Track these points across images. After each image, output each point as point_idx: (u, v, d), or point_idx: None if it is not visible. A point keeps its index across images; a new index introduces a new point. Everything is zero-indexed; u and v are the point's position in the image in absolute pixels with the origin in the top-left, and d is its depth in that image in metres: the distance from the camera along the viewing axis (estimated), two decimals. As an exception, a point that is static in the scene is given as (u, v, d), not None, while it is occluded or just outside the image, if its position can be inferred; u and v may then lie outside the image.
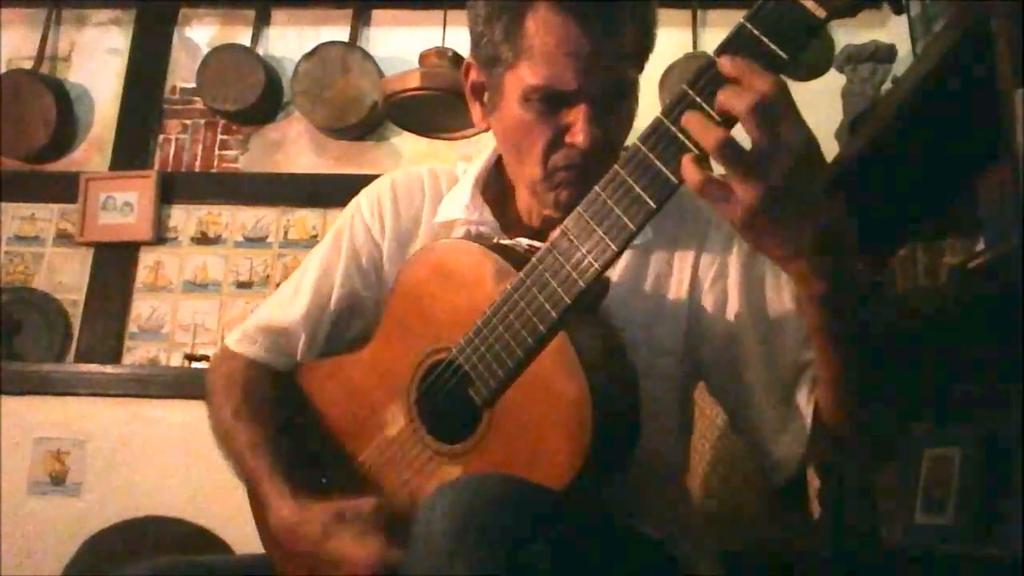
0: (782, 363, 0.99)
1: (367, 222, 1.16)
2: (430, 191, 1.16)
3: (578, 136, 0.96)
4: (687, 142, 0.77)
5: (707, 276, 1.04)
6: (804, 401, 0.96)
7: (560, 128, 0.98)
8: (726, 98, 0.74)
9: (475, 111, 1.10)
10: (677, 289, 1.05)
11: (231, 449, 1.09)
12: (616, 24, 0.96)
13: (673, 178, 0.78)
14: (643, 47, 1.01)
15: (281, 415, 1.10)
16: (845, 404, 0.92)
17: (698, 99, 0.77)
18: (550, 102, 0.97)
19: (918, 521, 1.47)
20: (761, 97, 0.72)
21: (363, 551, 0.89)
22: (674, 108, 0.78)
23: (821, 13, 0.73)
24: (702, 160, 0.77)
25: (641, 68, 1.02)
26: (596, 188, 0.85)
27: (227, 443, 1.10)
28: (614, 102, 0.99)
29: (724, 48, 0.76)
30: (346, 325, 1.15)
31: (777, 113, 0.73)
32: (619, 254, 0.83)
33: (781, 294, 1.01)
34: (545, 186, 1.01)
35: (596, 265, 0.84)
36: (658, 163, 0.79)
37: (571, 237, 0.86)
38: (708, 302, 1.04)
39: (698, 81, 0.77)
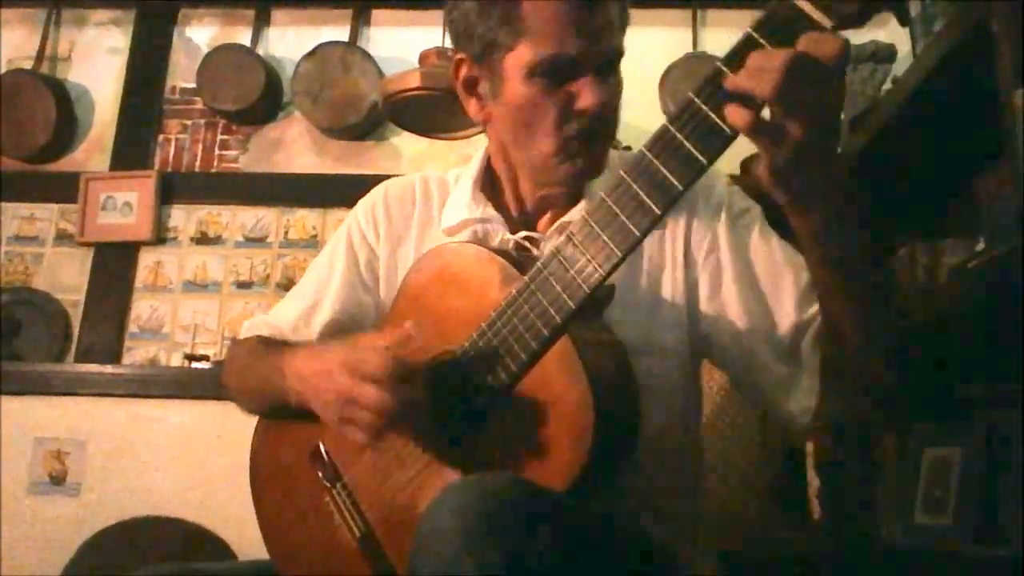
0: (784, 324, 1.01)
1: (363, 228, 1.20)
2: (421, 196, 1.20)
3: (587, 101, 1.00)
4: (693, 150, 0.78)
5: (700, 250, 1.07)
6: (810, 356, 0.99)
7: (567, 98, 1.01)
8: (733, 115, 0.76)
9: (470, 105, 1.12)
10: (672, 267, 1.08)
11: (253, 377, 1.11)
12: None
13: (678, 184, 0.79)
14: (622, 19, 1.06)
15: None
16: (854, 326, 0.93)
17: (704, 107, 0.78)
18: (555, 74, 1.01)
19: (918, 521, 1.47)
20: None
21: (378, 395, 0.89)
22: (680, 116, 0.80)
23: (827, 23, 0.74)
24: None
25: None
26: (601, 194, 0.86)
27: (248, 379, 1.12)
28: (610, 70, 1.04)
29: (730, 58, 0.77)
30: (347, 331, 1.16)
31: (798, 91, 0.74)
32: (623, 259, 0.84)
33: (773, 257, 1.04)
34: (558, 159, 1.04)
35: (600, 271, 0.85)
36: (663, 169, 0.80)
37: (576, 242, 0.87)
38: (704, 276, 1.07)
39: (704, 90, 0.79)
